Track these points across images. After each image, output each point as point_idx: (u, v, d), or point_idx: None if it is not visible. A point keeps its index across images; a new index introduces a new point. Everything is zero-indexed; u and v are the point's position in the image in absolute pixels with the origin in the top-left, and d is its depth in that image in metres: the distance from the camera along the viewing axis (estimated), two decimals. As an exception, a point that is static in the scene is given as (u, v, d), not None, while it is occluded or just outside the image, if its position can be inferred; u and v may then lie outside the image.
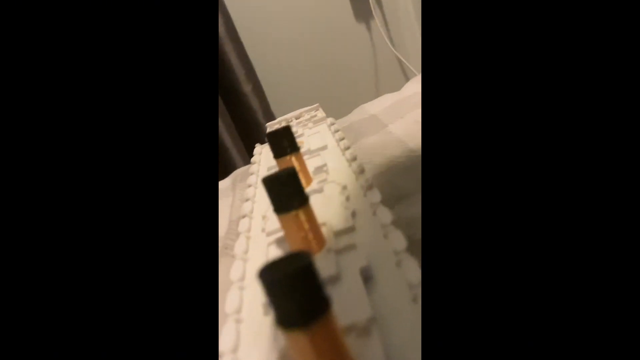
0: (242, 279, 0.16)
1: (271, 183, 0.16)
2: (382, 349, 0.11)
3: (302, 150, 0.26)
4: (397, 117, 0.37)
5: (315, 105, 0.38)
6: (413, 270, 0.13)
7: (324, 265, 0.14)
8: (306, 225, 0.16)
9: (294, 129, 0.31)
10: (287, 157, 0.21)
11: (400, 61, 1.27)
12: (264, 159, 0.29)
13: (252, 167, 0.27)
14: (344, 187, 0.20)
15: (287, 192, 0.15)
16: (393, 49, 1.20)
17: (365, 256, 0.14)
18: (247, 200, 0.22)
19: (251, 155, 1.12)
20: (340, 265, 0.14)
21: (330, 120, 0.30)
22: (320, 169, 0.23)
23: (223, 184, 0.40)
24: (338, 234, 0.16)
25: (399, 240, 0.14)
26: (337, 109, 1.54)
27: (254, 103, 1.29)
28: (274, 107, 1.31)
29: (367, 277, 0.14)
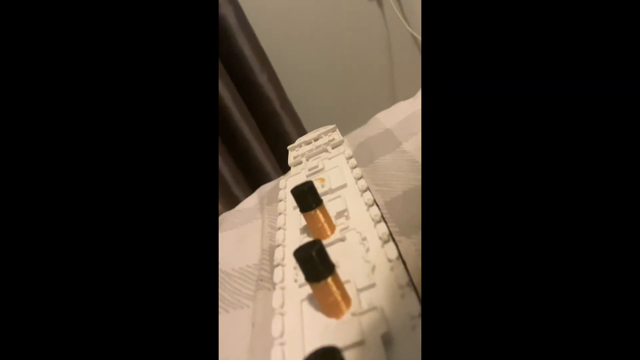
0: (282, 334, 0.19)
1: (301, 256, 0.18)
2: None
3: (324, 189, 0.28)
4: (411, 134, 0.39)
5: (332, 126, 0.40)
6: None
7: (350, 330, 0.17)
8: (334, 290, 0.18)
9: (313, 162, 0.34)
10: (312, 212, 0.23)
11: (415, 38, 1.25)
12: (290, 184, 0.32)
13: (280, 206, 0.29)
14: (364, 239, 0.22)
15: (316, 264, 0.18)
16: (408, 27, 1.19)
17: (385, 321, 0.17)
18: (278, 246, 0.25)
19: (271, 147, 1.14)
20: (364, 331, 0.17)
21: (347, 152, 0.32)
22: (341, 214, 0.25)
23: (250, 202, 0.43)
24: (360, 290, 0.19)
25: (413, 305, 0.17)
26: (353, 92, 1.53)
27: (270, 93, 1.30)
28: (290, 95, 1.32)
29: (386, 340, 0.16)
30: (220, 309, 0.29)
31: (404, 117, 0.43)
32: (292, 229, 0.26)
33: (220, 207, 1.28)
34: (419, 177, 0.33)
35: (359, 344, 0.16)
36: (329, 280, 0.18)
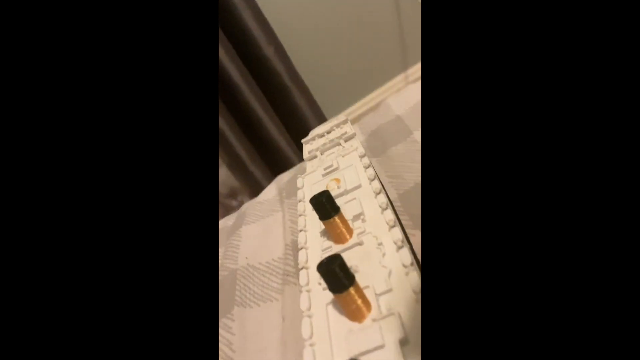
0: (311, 336, 0.22)
1: (324, 270, 0.21)
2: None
3: (339, 190, 0.30)
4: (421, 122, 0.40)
5: (344, 118, 0.41)
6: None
7: (371, 335, 0.19)
8: (355, 298, 0.21)
9: (327, 159, 0.35)
10: (331, 220, 0.25)
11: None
12: (307, 182, 0.34)
13: (299, 207, 0.31)
14: (380, 244, 0.24)
15: (338, 277, 0.20)
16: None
17: (402, 326, 0.19)
18: (301, 249, 0.27)
19: (283, 123, 1.15)
20: (384, 336, 0.19)
21: (360, 150, 0.33)
22: (357, 217, 0.27)
23: (269, 194, 0.46)
24: (379, 295, 0.21)
25: (426, 311, 0.19)
26: (362, 59, 1.50)
27: (278, 66, 1.30)
28: (298, 67, 1.31)
29: (403, 344, 0.19)
30: (252, 302, 0.32)
31: (415, 102, 0.44)
32: (313, 231, 0.28)
33: (238, 184, 1.31)
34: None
35: (380, 347, 0.19)
36: (351, 290, 0.21)
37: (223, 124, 1.22)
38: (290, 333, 0.27)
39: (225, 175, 1.32)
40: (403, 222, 0.32)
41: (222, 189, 1.36)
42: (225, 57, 1.18)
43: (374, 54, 1.47)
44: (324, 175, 0.33)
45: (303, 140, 0.42)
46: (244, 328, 0.29)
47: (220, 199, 1.38)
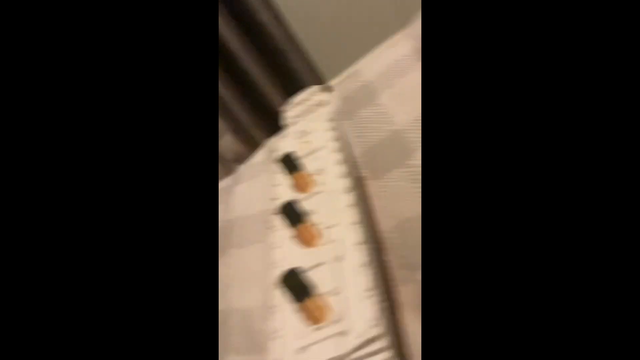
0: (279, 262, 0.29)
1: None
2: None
3: (307, 151, 0.37)
4: (387, 87, 0.45)
5: (319, 87, 0.47)
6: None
7: (317, 255, 0.26)
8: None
9: (301, 126, 0.42)
10: (296, 174, 0.32)
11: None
12: (283, 146, 0.40)
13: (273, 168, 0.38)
14: (333, 190, 0.31)
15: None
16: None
17: (341, 247, 0.26)
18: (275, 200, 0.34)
19: (283, 87, 1.20)
20: (329, 255, 0.26)
21: (327, 115, 0.39)
22: (320, 172, 0.34)
23: (259, 157, 0.52)
24: (327, 228, 0.28)
25: (359, 235, 0.26)
26: (362, 21, 1.49)
27: (275, 30, 1.32)
28: (296, 30, 1.33)
29: (339, 259, 0.26)
30: (240, 246, 0.39)
31: (384, 66, 0.49)
32: (285, 185, 0.35)
33: (241, 148, 1.37)
34: (388, 127, 0.40)
35: (321, 264, 0.26)
36: (304, 226, 0.27)
37: (223, 91, 1.26)
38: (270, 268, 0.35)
39: (229, 141, 1.38)
40: (363, 174, 0.38)
41: (228, 154, 1.43)
42: (223, 25, 1.21)
43: (372, 11, 1.48)
44: (297, 139, 0.40)
45: (282, 108, 0.48)
46: (238, 263, 0.37)
47: (228, 164, 1.45)
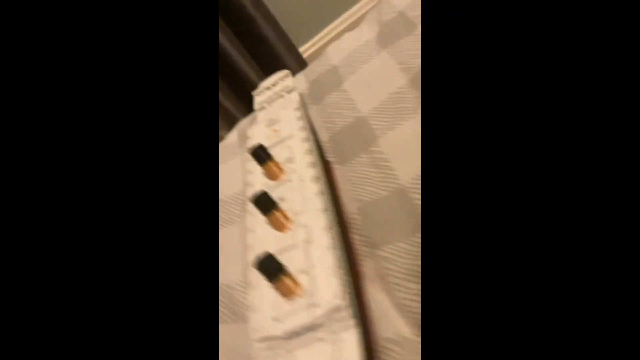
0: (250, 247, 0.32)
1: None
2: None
3: (277, 139, 0.40)
4: (351, 72, 0.48)
5: (286, 72, 0.49)
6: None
7: (287, 240, 0.30)
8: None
9: (271, 112, 0.44)
10: (266, 165, 0.35)
11: None
12: (255, 134, 0.43)
13: (246, 157, 0.41)
14: (302, 179, 0.34)
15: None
16: None
17: (306, 231, 0.30)
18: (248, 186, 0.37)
19: (252, 56, 1.19)
20: (295, 239, 0.30)
21: (295, 104, 0.42)
22: (289, 160, 0.37)
23: (232, 138, 0.55)
24: (296, 214, 0.32)
25: (324, 219, 0.30)
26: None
27: (252, 11, 1.29)
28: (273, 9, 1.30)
29: (307, 242, 0.30)
30: (220, 226, 0.43)
31: (348, 52, 0.52)
32: (256, 172, 0.38)
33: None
34: (353, 114, 0.44)
35: (292, 247, 0.30)
36: (275, 213, 0.31)
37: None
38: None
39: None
40: (329, 159, 0.42)
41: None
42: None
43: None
44: (267, 126, 0.42)
45: (253, 93, 0.50)
46: (220, 242, 0.41)
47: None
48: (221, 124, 1.32)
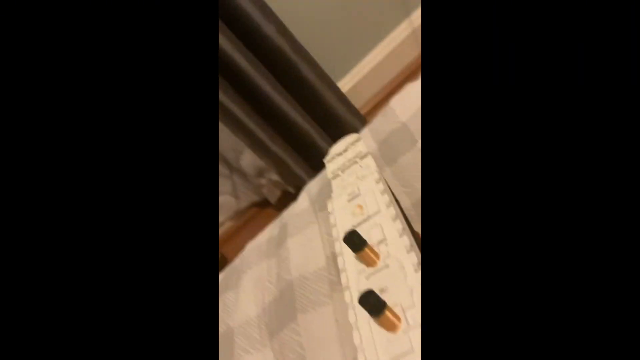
0: (361, 343, 0.30)
1: (364, 301, 0.29)
2: None
3: (363, 217, 0.38)
4: (424, 130, 0.46)
5: (356, 136, 0.48)
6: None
7: (403, 343, 0.28)
8: (390, 317, 0.29)
9: (349, 184, 0.43)
10: (362, 252, 0.34)
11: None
12: (336, 207, 0.42)
13: (333, 233, 0.39)
14: (402, 267, 0.32)
15: (375, 305, 0.28)
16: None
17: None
18: (343, 272, 0.36)
19: (295, 98, 1.22)
20: (412, 343, 0.28)
21: (375, 176, 0.40)
22: (381, 242, 0.35)
23: (302, 204, 0.54)
24: (405, 310, 0.30)
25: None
26: (364, 18, 1.50)
27: (281, 42, 1.32)
28: (302, 39, 1.33)
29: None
30: (309, 308, 0.41)
31: (416, 108, 0.50)
32: (348, 255, 0.36)
33: (263, 164, 1.38)
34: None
35: (409, 352, 0.27)
36: (386, 312, 0.29)
37: (237, 110, 1.27)
38: (344, 331, 0.36)
39: (250, 157, 1.40)
40: (417, 229, 0.40)
41: (250, 170, 1.45)
42: (228, 44, 1.21)
43: (373, 6, 1.47)
44: (348, 201, 0.41)
45: (325, 160, 0.49)
46: (308, 331, 0.39)
47: (250, 179, 1.47)
48: (275, 170, 1.34)
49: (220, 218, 1.55)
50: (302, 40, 1.30)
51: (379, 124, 0.53)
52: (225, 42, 1.20)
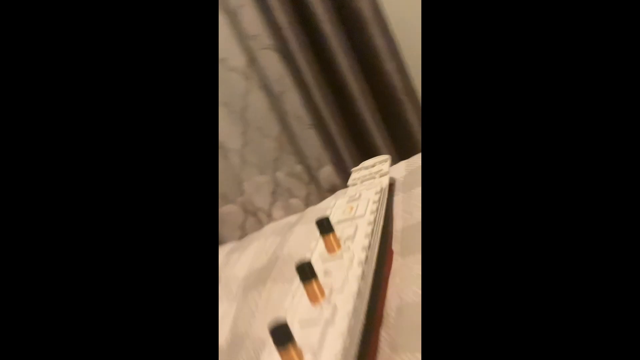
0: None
1: (300, 269, 0.33)
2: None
3: (348, 216, 0.42)
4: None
5: (386, 157, 0.51)
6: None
7: (316, 311, 0.31)
8: (316, 288, 0.32)
9: (358, 189, 0.47)
10: (325, 237, 0.37)
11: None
12: (337, 205, 0.46)
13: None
14: (351, 261, 0.35)
15: (307, 270, 0.32)
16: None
17: (340, 312, 0.31)
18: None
19: (390, 133, 1.25)
20: (323, 314, 0.31)
21: (379, 187, 0.44)
22: (349, 239, 0.38)
23: (325, 203, 0.58)
24: (333, 291, 0.33)
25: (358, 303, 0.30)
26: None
27: (396, 80, 1.38)
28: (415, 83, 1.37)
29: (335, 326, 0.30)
30: (279, 279, 0.45)
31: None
32: (321, 241, 0.40)
33: (337, 180, 1.44)
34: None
35: (314, 323, 0.31)
36: (313, 283, 0.33)
37: (335, 132, 1.35)
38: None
39: (328, 172, 1.46)
40: (395, 248, 0.42)
41: (325, 184, 1.52)
42: (346, 65, 1.30)
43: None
44: (347, 202, 0.45)
45: (353, 170, 0.54)
46: (268, 295, 0.43)
47: (322, 193, 1.54)
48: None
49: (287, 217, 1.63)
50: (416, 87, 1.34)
51: (418, 157, 0.56)
52: (343, 61, 1.29)
